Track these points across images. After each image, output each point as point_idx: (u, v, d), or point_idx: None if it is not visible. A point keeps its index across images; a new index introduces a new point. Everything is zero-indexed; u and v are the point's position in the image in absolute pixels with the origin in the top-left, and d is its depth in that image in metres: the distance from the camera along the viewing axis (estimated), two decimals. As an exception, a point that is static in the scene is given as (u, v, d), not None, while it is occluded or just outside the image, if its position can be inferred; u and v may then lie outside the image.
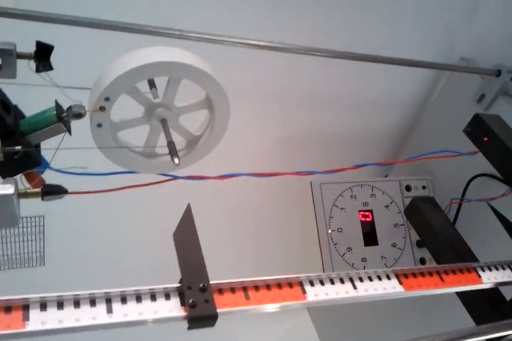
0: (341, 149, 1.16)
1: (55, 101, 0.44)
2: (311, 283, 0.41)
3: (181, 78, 0.46)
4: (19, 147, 0.40)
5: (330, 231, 0.95)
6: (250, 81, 0.93)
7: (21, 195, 0.36)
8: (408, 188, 1.04)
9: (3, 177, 0.43)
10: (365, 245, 0.96)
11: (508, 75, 0.90)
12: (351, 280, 0.42)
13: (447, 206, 0.95)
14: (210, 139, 0.51)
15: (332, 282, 0.41)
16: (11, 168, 0.42)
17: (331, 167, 1.12)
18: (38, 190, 0.37)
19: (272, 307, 0.37)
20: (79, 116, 0.43)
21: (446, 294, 0.62)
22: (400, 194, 1.03)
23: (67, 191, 0.37)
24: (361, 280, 0.43)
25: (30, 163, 0.43)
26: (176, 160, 0.45)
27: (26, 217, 0.87)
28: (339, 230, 0.96)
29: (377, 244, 0.98)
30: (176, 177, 0.54)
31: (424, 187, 1.05)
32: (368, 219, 0.99)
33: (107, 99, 0.44)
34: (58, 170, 0.46)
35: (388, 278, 0.44)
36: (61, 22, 0.60)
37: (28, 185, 0.45)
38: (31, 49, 0.49)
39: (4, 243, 0.88)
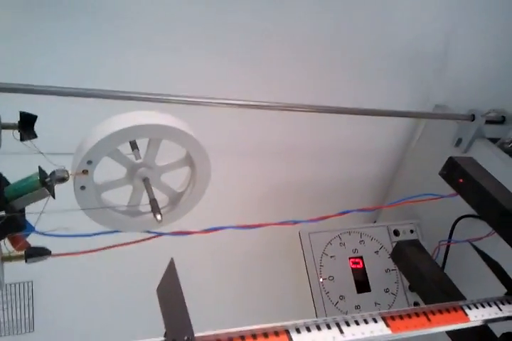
0: (327, 198, 1.18)
1: (39, 167, 0.46)
2: (298, 331, 0.41)
3: (161, 139, 0.49)
4: (3, 213, 0.41)
5: (321, 280, 0.95)
6: (232, 136, 0.96)
7: (5, 258, 0.37)
8: (396, 233, 1.05)
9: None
10: (358, 292, 0.96)
11: (482, 119, 0.94)
12: (338, 325, 0.43)
13: (436, 248, 0.96)
14: (193, 195, 0.53)
15: (319, 328, 0.42)
16: (-3, 233, 0.43)
17: (318, 215, 1.14)
18: (21, 253, 0.38)
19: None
20: (62, 180, 0.45)
21: (439, 334, 0.62)
22: (388, 239, 1.04)
23: (50, 253, 0.38)
24: (348, 324, 0.43)
25: (14, 227, 0.44)
26: (159, 217, 0.46)
27: (15, 284, 0.86)
28: (330, 278, 0.96)
29: (369, 290, 0.97)
30: (161, 234, 0.55)
31: (412, 231, 1.07)
32: (358, 266, 0.99)
33: (89, 162, 0.46)
34: (43, 234, 0.47)
35: (375, 321, 0.44)
36: (43, 93, 0.63)
37: (12, 249, 0.46)
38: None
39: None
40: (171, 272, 0.41)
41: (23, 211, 0.46)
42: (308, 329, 0.41)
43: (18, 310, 0.89)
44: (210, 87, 0.76)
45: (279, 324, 0.40)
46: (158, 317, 0.39)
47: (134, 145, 0.52)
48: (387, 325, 0.44)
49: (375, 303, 0.96)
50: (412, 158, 1.15)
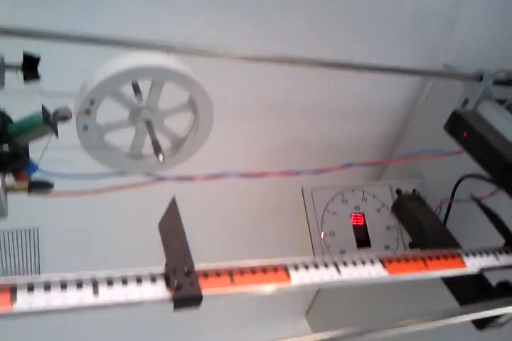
0: (332, 156, 1.17)
1: (42, 105, 0.46)
2: (296, 268, 0.42)
3: (164, 81, 0.48)
4: (6, 147, 0.41)
5: (322, 235, 0.96)
6: (239, 90, 0.95)
7: (8, 189, 0.38)
8: (399, 191, 1.05)
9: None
10: (358, 248, 0.97)
11: (490, 79, 0.92)
12: (335, 264, 0.43)
13: (437, 207, 0.96)
14: (195, 140, 0.53)
15: (316, 266, 0.43)
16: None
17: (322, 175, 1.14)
18: (25, 184, 0.38)
19: (256, 291, 0.38)
20: (65, 118, 0.45)
21: (435, 282, 0.63)
22: (390, 197, 1.04)
23: (53, 185, 0.39)
24: (345, 264, 0.44)
25: (18, 163, 0.44)
26: (161, 157, 0.46)
27: (21, 230, 0.88)
28: (332, 234, 0.97)
29: (370, 246, 0.98)
30: (163, 178, 0.56)
31: (414, 190, 1.07)
32: (360, 223, 1.00)
33: (91, 101, 0.46)
34: (47, 173, 0.47)
35: (372, 262, 0.45)
36: (49, 37, 0.62)
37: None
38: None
39: (-1, 255, 0.88)
40: (172, 208, 0.42)
41: (26, 149, 0.46)
42: (306, 267, 0.42)
43: (25, 256, 0.91)
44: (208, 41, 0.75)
45: (278, 260, 0.41)
46: (162, 260, 0.40)
47: (136, 89, 0.52)
48: (384, 267, 0.45)
49: (375, 259, 0.97)
50: (417, 118, 1.13)
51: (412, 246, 1.00)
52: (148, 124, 0.50)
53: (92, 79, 0.46)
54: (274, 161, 1.10)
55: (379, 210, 1.02)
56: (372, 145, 1.21)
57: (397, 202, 0.74)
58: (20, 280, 0.31)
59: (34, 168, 0.47)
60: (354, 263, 0.44)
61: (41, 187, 0.38)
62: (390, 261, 0.46)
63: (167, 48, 0.66)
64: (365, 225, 1.00)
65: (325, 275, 0.42)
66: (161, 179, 0.56)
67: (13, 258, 0.92)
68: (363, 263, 0.45)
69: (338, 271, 0.43)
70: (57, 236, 0.90)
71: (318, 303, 1.43)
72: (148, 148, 0.52)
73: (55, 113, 0.45)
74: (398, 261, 0.47)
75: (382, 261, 0.46)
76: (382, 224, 1.01)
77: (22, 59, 0.52)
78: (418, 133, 1.12)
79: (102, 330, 1.10)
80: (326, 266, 0.43)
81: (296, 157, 1.13)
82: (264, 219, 1.11)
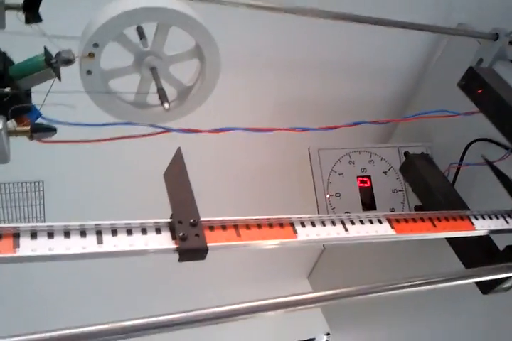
0: (339, 116, 1.15)
1: (44, 47, 0.44)
2: (302, 224, 0.41)
3: (170, 25, 0.46)
4: (8, 89, 0.39)
5: (328, 196, 0.96)
6: (247, 44, 0.92)
7: (10, 132, 0.36)
8: (407, 154, 1.03)
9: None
10: (364, 210, 0.97)
11: (506, 39, 0.88)
12: (342, 222, 0.43)
13: (446, 170, 0.95)
14: (202, 90, 0.51)
15: (323, 224, 0.42)
16: (1, 110, 0.42)
17: (329, 133, 1.12)
18: (27, 128, 0.37)
19: (261, 245, 0.38)
20: (68, 61, 0.43)
21: (441, 244, 0.63)
22: (398, 160, 1.02)
23: (55, 130, 0.37)
24: (353, 223, 0.43)
25: (20, 107, 0.43)
26: (166, 105, 0.44)
27: (26, 182, 0.87)
28: (337, 195, 0.96)
29: (375, 208, 0.98)
30: (169, 130, 0.54)
31: (422, 153, 1.05)
32: (366, 185, 0.99)
33: (95, 45, 0.44)
34: (49, 120, 0.46)
35: (380, 222, 0.44)
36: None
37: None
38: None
39: (5, 208, 0.88)
40: (177, 159, 0.40)
41: (28, 93, 0.44)
42: (313, 224, 0.41)
43: (30, 208, 0.91)
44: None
45: (284, 216, 0.40)
46: (167, 212, 0.39)
47: (141, 34, 0.49)
48: (392, 227, 0.44)
49: (379, 221, 0.97)
50: (430, 77, 1.10)
51: (417, 209, 0.99)
52: (153, 71, 0.48)
53: (95, 21, 0.44)
54: (281, 118, 1.08)
55: (386, 173, 1.01)
56: (383, 105, 1.18)
57: (405, 162, 0.73)
58: (23, 226, 0.30)
59: (37, 113, 0.45)
60: (361, 222, 0.44)
61: (43, 131, 0.37)
62: (397, 221, 0.45)
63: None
64: (371, 187, 0.99)
65: (332, 232, 0.41)
66: (166, 130, 0.54)
67: (18, 209, 0.92)
68: (371, 222, 0.44)
69: (346, 229, 0.42)
70: (62, 189, 0.90)
71: (321, 265, 1.44)
72: (153, 98, 0.50)
73: (58, 55, 0.43)
74: (406, 221, 0.46)
75: (389, 221, 0.45)
76: (388, 187, 1.00)
77: (23, -1, 0.49)
78: (430, 93, 1.09)
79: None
80: (333, 223, 0.42)
81: (304, 115, 1.10)
82: (270, 177, 1.10)
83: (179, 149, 0.41)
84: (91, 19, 0.44)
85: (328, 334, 1.73)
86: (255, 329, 1.44)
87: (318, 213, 0.93)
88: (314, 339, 1.83)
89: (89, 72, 0.45)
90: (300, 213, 1.02)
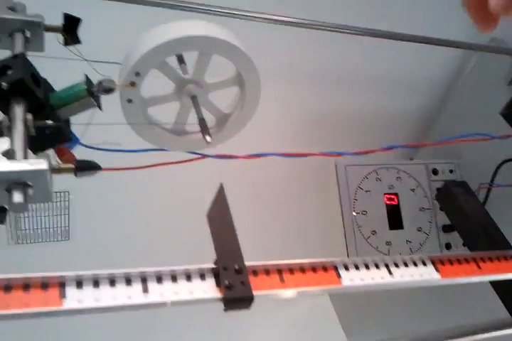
0: (367, 130, 1.14)
1: (85, 75, 0.43)
2: (346, 268, 0.39)
3: (212, 53, 0.45)
4: (50, 121, 0.39)
5: (354, 213, 0.94)
6: (278, 59, 0.90)
7: (55, 170, 0.35)
8: (435, 172, 1.01)
9: (35, 153, 0.43)
10: (390, 228, 0.95)
11: (541, 56, 0.86)
12: (386, 265, 0.41)
13: (475, 191, 0.93)
14: (241, 117, 0.50)
15: (367, 267, 0.40)
16: (42, 142, 0.41)
17: (357, 148, 1.10)
18: (72, 165, 0.36)
19: (307, 292, 0.37)
20: (109, 90, 0.42)
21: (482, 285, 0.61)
22: (426, 177, 1.01)
23: (100, 168, 0.37)
24: (397, 265, 0.42)
25: (61, 138, 0.42)
26: (208, 138, 0.43)
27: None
28: (364, 213, 0.95)
29: (402, 227, 0.96)
30: (205, 156, 0.53)
31: (451, 171, 1.03)
32: (393, 203, 0.97)
33: (137, 74, 0.43)
34: (89, 147, 0.45)
35: (424, 264, 0.43)
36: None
37: (59, 161, 0.44)
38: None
39: (30, 217, 0.88)
40: (220, 197, 0.39)
41: (68, 121, 0.44)
42: (357, 267, 0.40)
43: (55, 218, 0.91)
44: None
45: (328, 259, 0.39)
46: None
47: (181, 60, 0.49)
48: (437, 270, 0.43)
49: (407, 241, 0.95)
50: (459, 94, 1.08)
51: (445, 229, 0.97)
52: (194, 99, 0.47)
53: (137, 49, 0.43)
54: (308, 133, 1.07)
55: (413, 190, 0.99)
56: (408, 120, 1.17)
57: (442, 189, 0.71)
58: (69, 275, 0.29)
59: (75, 141, 0.44)
60: (406, 264, 0.42)
61: (88, 169, 0.36)
62: (442, 263, 0.44)
63: (205, 11, 0.62)
64: (398, 205, 0.97)
65: (376, 276, 0.40)
66: (202, 157, 0.53)
67: (43, 219, 0.92)
68: (415, 264, 0.42)
69: (390, 272, 0.41)
70: (88, 203, 0.90)
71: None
72: (191, 125, 0.50)
73: (99, 84, 0.42)
74: (451, 262, 0.44)
75: (434, 262, 0.43)
76: (415, 205, 0.98)
77: (63, 21, 0.48)
78: (458, 110, 1.07)
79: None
80: (377, 266, 0.41)
81: (330, 128, 1.09)
82: (293, 194, 1.09)
83: (221, 186, 0.39)
84: (132, 47, 0.43)
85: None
86: None
87: (345, 233, 0.92)
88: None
89: (129, 101, 0.44)
90: (326, 233, 1.00)
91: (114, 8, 0.60)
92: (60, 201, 0.91)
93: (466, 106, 1.04)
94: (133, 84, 0.43)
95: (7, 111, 0.39)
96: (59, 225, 0.90)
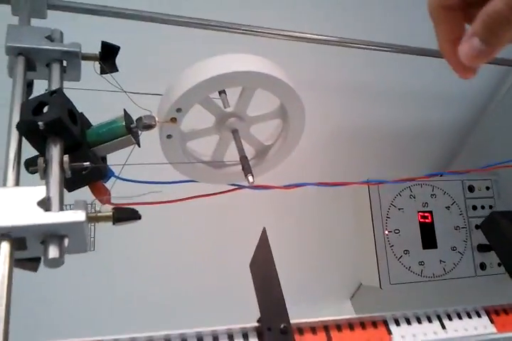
0: (398, 143, 1.11)
1: (124, 110, 0.41)
2: (397, 322, 0.37)
3: (256, 88, 0.42)
4: (87, 163, 0.37)
5: (387, 232, 0.91)
6: (311, 73, 0.88)
7: (91, 218, 0.34)
8: (471, 189, 0.98)
9: (69, 191, 0.41)
10: (424, 248, 0.92)
11: None
12: (439, 318, 0.39)
13: (513, 208, 0.90)
14: (282, 149, 0.48)
15: (419, 321, 0.38)
16: (78, 181, 0.40)
17: (387, 162, 1.07)
18: (109, 214, 0.34)
19: (356, 352, 0.34)
20: (149, 127, 0.40)
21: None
22: (462, 194, 0.97)
23: (140, 217, 0.35)
24: (450, 318, 0.39)
25: (97, 176, 0.40)
26: (251, 179, 0.41)
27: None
28: (396, 231, 0.92)
29: (436, 247, 0.93)
30: (241, 187, 0.51)
31: (487, 188, 0.99)
32: (427, 221, 0.94)
33: (178, 110, 0.41)
34: (124, 179, 0.44)
35: (478, 315, 0.40)
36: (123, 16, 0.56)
37: (92, 197, 0.43)
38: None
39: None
40: (263, 244, 0.37)
41: (105, 159, 0.42)
42: (408, 322, 0.38)
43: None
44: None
45: (377, 314, 0.37)
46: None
47: (221, 91, 0.47)
48: (492, 321, 0.40)
49: (440, 261, 0.91)
50: (496, 109, 1.04)
51: (481, 248, 0.94)
52: (235, 133, 0.44)
53: (178, 85, 0.41)
54: (338, 147, 1.05)
55: (448, 208, 0.96)
56: (443, 134, 1.13)
57: (488, 219, 0.68)
58: (122, 338, 0.27)
59: (111, 174, 0.43)
60: (459, 316, 0.39)
61: (127, 220, 0.34)
62: (497, 313, 0.41)
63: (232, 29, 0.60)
64: (432, 224, 0.94)
65: (429, 331, 0.37)
66: (238, 187, 0.51)
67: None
68: (469, 315, 0.40)
69: (443, 326, 0.38)
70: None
71: (366, 288, 1.40)
72: (228, 157, 0.48)
73: (139, 121, 0.40)
74: (506, 312, 0.41)
75: (488, 313, 0.41)
76: (450, 224, 0.95)
77: (100, 48, 0.47)
78: (494, 126, 1.03)
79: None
80: (430, 319, 0.38)
81: (362, 142, 1.06)
82: (323, 212, 1.07)
83: (264, 231, 0.37)
84: (174, 81, 0.42)
85: None
86: None
87: (376, 252, 0.89)
88: None
89: (169, 136, 0.42)
90: (357, 252, 0.97)
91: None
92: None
93: (503, 121, 1.00)
94: (174, 120, 0.41)
95: (42, 150, 0.37)
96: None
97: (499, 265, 0.94)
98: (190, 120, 0.44)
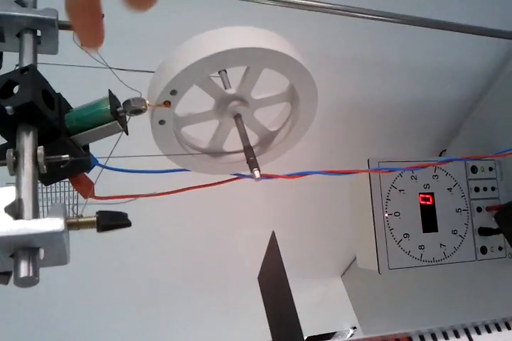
0: (398, 120, 1.06)
1: (109, 91, 0.35)
2: (422, 339, 0.33)
3: (264, 67, 0.36)
4: (66, 156, 0.31)
5: (386, 215, 0.87)
6: (317, 46, 0.82)
7: (71, 225, 0.28)
8: (474, 170, 0.94)
9: (45, 185, 0.36)
10: (424, 231, 0.88)
11: None
12: (466, 331, 0.35)
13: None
14: (289, 136, 0.42)
15: (445, 336, 0.34)
16: (55, 175, 0.34)
17: (387, 139, 1.02)
18: (93, 219, 0.29)
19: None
20: (138, 112, 0.34)
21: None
22: (464, 176, 0.93)
23: (130, 224, 0.29)
24: (478, 331, 0.35)
25: (78, 169, 0.35)
26: (257, 174, 0.36)
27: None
28: (396, 214, 0.88)
29: (436, 230, 0.89)
30: (241, 176, 0.46)
31: (490, 169, 0.96)
32: (428, 203, 0.90)
33: (173, 92, 0.35)
34: (110, 168, 0.38)
35: (508, 327, 0.36)
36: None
37: (73, 189, 0.37)
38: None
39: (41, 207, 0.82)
40: (273, 251, 0.32)
41: (87, 148, 0.36)
42: (434, 337, 0.33)
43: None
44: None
45: (400, 332, 0.32)
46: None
47: (223, 73, 0.40)
48: (522, 333, 0.36)
49: (441, 245, 0.88)
50: (501, 86, 0.99)
51: (482, 232, 0.91)
52: (237, 118, 0.39)
53: (173, 63, 0.34)
54: (335, 125, 0.99)
55: (450, 190, 0.92)
56: (442, 111, 1.09)
57: (505, 209, 0.64)
58: None
59: (94, 163, 0.37)
60: (488, 329, 0.35)
61: (114, 227, 0.29)
62: (526, 324, 0.37)
63: None
64: (433, 206, 0.90)
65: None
66: (238, 177, 0.46)
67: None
68: (498, 328, 0.36)
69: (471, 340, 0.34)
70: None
71: (356, 266, 1.39)
72: (227, 145, 0.42)
73: (126, 104, 0.34)
74: (535, 322, 0.38)
75: (517, 324, 0.37)
76: (452, 206, 0.91)
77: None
78: (497, 104, 0.98)
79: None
80: (457, 334, 0.34)
81: (359, 119, 1.01)
82: (321, 193, 1.02)
83: (273, 235, 0.32)
84: (167, 58, 0.35)
85: (354, 328, 1.71)
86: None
87: (375, 235, 0.85)
88: (335, 333, 1.81)
89: (162, 122, 0.37)
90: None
91: None
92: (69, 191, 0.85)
93: (506, 101, 0.96)
94: (167, 103, 0.35)
95: (12, 140, 0.31)
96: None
97: (500, 249, 0.91)
98: (185, 102, 0.38)
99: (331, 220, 1.10)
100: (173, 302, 1.06)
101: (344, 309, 1.53)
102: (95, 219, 0.28)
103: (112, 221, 0.28)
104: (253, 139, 0.43)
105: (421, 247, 0.87)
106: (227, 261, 1.06)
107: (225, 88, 0.38)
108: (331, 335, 1.74)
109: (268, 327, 0.30)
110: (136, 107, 0.34)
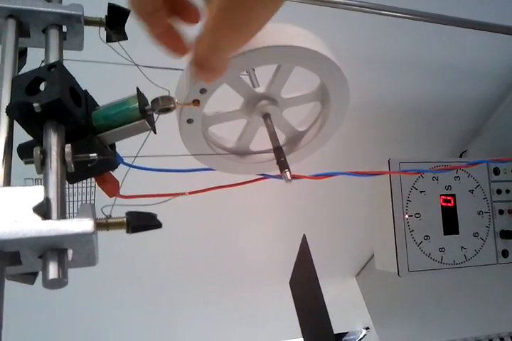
0: (420, 119, 1.04)
1: (137, 89, 0.34)
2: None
3: (296, 65, 0.35)
4: (94, 155, 0.30)
5: (407, 216, 0.85)
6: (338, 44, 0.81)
7: (101, 225, 0.28)
8: (496, 171, 0.92)
9: (71, 183, 0.35)
10: (445, 234, 0.87)
11: None
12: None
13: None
14: (318, 137, 0.41)
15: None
16: (81, 174, 0.33)
17: (407, 140, 1.01)
18: (123, 220, 0.28)
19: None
20: (167, 110, 0.33)
21: None
22: (487, 177, 0.91)
23: (160, 225, 0.29)
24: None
25: (104, 167, 0.34)
26: (288, 175, 0.35)
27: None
28: (417, 216, 0.86)
29: (457, 232, 0.87)
30: (268, 177, 0.45)
31: (512, 171, 0.94)
32: (449, 205, 0.89)
33: (203, 90, 0.34)
34: (136, 167, 0.37)
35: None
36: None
37: (98, 187, 0.37)
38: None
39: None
40: (304, 257, 0.31)
41: (113, 147, 0.35)
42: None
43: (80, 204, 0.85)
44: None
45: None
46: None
47: (251, 72, 0.39)
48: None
49: (461, 247, 0.87)
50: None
51: (503, 235, 0.89)
52: (266, 117, 0.38)
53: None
54: (357, 123, 0.98)
55: (472, 192, 0.90)
56: (464, 111, 1.07)
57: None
58: None
59: (119, 161, 0.36)
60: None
61: (144, 229, 0.28)
62: None
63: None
64: (454, 208, 0.88)
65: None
66: (263, 177, 0.45)
67: (70, 204, 0.85)
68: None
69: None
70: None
71: (372, 265, 1.38)
72: (254, 144, 0.41)
73: (155, 103, 0.33)
74: None
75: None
76: (473, 208, 0.89)
77: (107, 12, 0.39)
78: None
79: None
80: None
81: (380, 118, 1.00)
82: (341, 193, 1.01)
83: (304, 238, 0.31)
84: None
85: (367, 328, 1.70)
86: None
87: (395, 237, 0.84)
88: (347, 333, 1.81)
89: (190, 121, 0.36)
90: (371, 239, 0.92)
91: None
92: (87, 187, 0.84)
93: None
94: (196, 102, 0.34)
95: (39, 138, 0.31)
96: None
97: (522, 252, 0.90)
98: (213, 101, 0.37)
99: (346, 220, 1.09)
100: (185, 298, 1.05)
101: (357, 309, 1.52)
102: (125, 220, 0.27)
103: (141, 222, 0.27)
104: (280, 139, 0.42)
105: (441, 250, 0.86)
106: (240, 259, 1.05)
107: (254, 87, 0.37)
108: (343, 335, 1.73)
109: (297, 326, 0.29)
110: (164, 106, 0.33)
